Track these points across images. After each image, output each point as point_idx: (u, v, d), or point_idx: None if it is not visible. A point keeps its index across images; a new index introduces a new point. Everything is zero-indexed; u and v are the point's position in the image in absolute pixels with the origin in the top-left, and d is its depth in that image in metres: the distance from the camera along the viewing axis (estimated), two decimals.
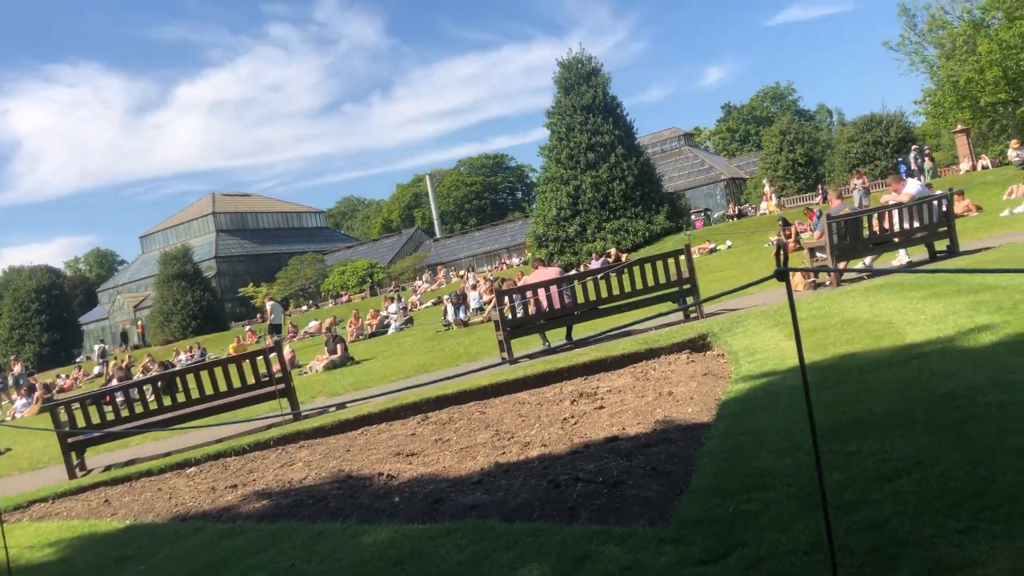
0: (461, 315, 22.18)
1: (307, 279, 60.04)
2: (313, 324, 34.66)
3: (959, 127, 40.75)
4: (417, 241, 73.95)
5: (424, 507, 4.92)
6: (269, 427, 9.19)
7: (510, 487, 4.92)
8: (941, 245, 12.20)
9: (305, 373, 17.06)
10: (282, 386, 10.11)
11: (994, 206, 21.61)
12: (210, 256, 68.94)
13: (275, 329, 24.99)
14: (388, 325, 26.31)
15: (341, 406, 9.76)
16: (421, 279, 50.30)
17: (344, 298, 52.58)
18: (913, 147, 38.48)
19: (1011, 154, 31.42)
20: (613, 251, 32.34)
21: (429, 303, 35.36)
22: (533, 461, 5.47)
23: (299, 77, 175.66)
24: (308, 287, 59.82)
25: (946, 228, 12.07)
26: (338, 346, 17.50)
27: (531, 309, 11.51)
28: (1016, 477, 3.03)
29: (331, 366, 16.86)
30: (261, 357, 10.53)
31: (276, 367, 10.41)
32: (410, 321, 27.06)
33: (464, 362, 12.13)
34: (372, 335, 25.76)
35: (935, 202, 12.06)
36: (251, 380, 10.11)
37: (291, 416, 9.59)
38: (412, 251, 68.49)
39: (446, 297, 25.97)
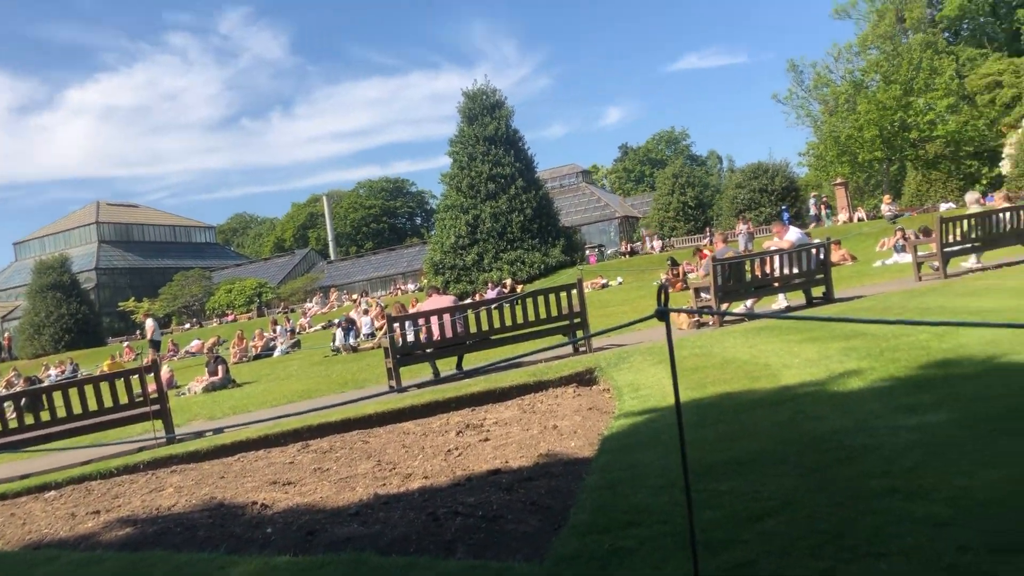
0: (351, 340, 21.82)
1: (192, 296, 58.05)
2: (195, 343, 33.52)
3: (839, 180, 42.98)
4: (310, 262, 72.64)
5: (298, 538, 4.77)
6: (140, 450, 8.77)
7: (388, 519, 4.83)
8: (818, 291, 12.75)
9: (183, 394, 16.43)
10: (157, 407, 9.68)
11: (868, 256, 22.83)
12: (90, 267, 65.95)
13: (155, 346, 24.08)
14: (274, 347, 25.66)
15: (219, 430, 9.42)
16: (312, 301, 49.31)
17: (230, 317, 51.03)
18: (812, 194, 40.26)
19: (884, 208, 33.36)
20: (509, 282, 32.59)
21: (319, 326, 34.70)
22: (414, 493, 5.39)
23: (197, 88, 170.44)
24: (192, 304, 57.82)
25: (823, 275, 12.64)
26: (219, 367, 16.94)
27: (423, 337, 11.43)
28: (874, 520, 3.16)
29: (211, 388, 16.29)
30: (136, 376, 10.08)
31: (152, 387, 9.99)
32: (297, 344, 26.45)
33: (350, 389, 11.92)
34: (257, 357, 25.05)
35: (813, 250, 12.62)
36: (124, 400, 9.66)
37: (164, 439, 9.19)
38: (304, 272, 67.15)
39: (336, 321, 25.55)
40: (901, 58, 45.15)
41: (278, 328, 27.63)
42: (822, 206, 37.61)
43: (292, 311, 45.19)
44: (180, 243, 79.24)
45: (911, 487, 3.44)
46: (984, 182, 45.10)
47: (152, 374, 10.25)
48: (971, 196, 16.21)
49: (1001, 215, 14.19)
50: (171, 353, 32.03)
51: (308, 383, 13.96)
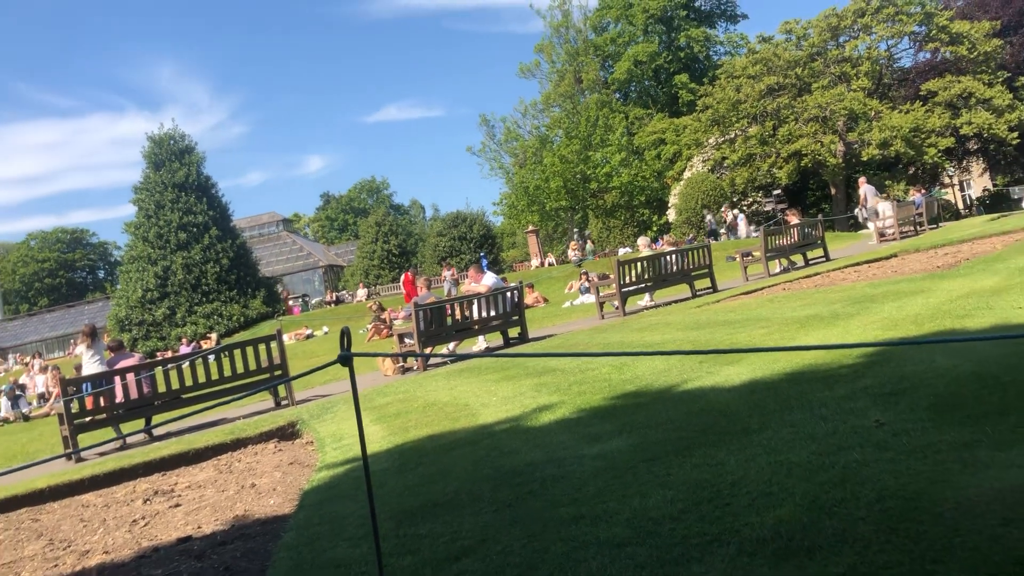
0: (22, 408, 19.42)
1: None
2: None
3: (530, 228, 45.80)
4: None
5: None
6: None
7: None
8: (514, 332, 13.39)
9: None
10: None
11: (558, 298, 24.47)
12: None
13: None
14: None
15: None
16: None
17: None
18: (576, 232, 42.02)
19: (571, 254, 36.01)
20: (214, 336, 30.98)
21: None
22: (91, 572, 4.85)
23: None
24: None
25: (518, 317, 13.31)
26: None
27: (103, 400, 10.41)
28: (564, 547, 3.30)
29: None
30: None
31: None
32: None
33: (19, 462, 10.55)
34: None
35: (509, 293, 13.26)
36: None
37: None
38: None
39: (2, 388, 22.65)
40: (580, 115, 49.31)
41: None
42: (587, 240, 38.55)
43: None
44: None
45: (596, 512, 3.64)
46: (654, 228, 50.26)
47: None
48: (643, 240, 17.91)
49: (668, 257, 15.83)
50: None
51: None
